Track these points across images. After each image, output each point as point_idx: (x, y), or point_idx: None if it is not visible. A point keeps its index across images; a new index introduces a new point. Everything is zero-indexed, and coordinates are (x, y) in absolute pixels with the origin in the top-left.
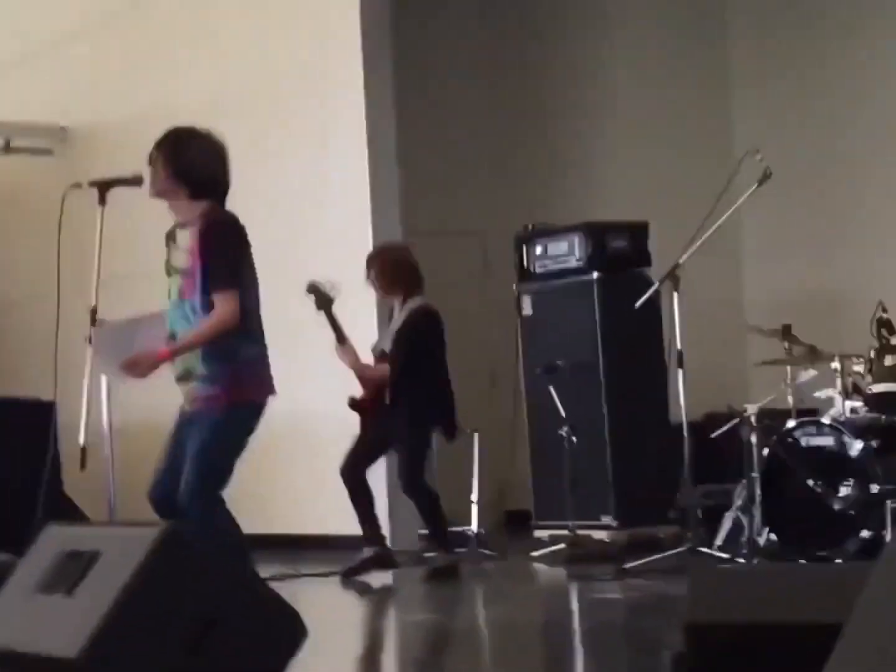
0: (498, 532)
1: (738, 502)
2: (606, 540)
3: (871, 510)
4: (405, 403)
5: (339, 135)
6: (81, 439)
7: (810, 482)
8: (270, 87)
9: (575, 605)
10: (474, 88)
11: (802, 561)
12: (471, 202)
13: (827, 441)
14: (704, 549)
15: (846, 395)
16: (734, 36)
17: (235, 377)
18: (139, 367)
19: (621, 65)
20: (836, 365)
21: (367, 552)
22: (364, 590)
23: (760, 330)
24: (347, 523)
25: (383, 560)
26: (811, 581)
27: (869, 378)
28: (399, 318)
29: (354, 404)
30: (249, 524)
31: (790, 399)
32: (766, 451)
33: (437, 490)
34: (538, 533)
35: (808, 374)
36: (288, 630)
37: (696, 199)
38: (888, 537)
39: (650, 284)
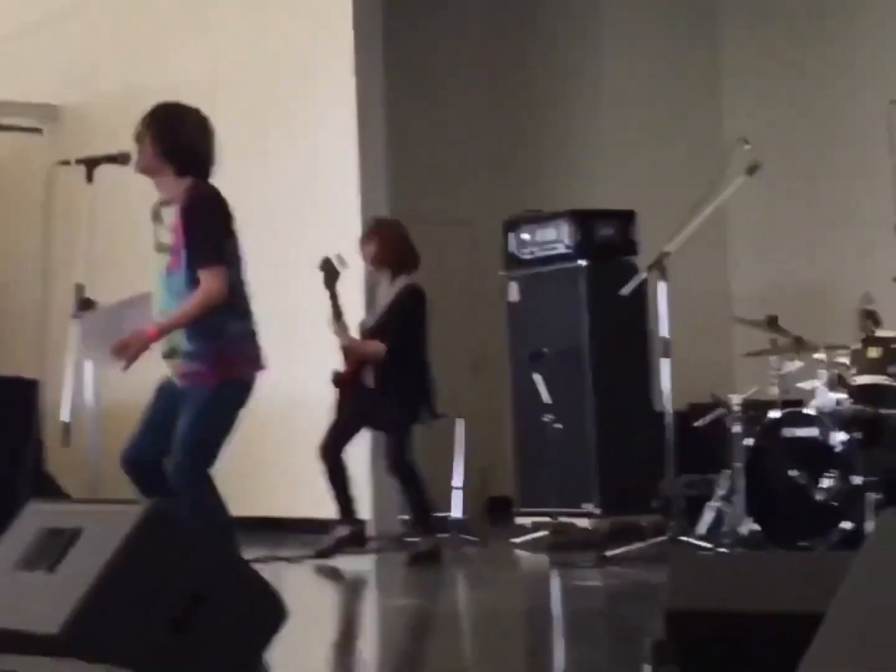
0: (480, 518)
1: (721, 492)
2: (588, 528)
3: (853, 502)
4: (393, 380)
5: (329, 119)
6: (64, 416)
7: (793, 473)
8: (264, 69)
9: (556, 592)
10: (466, 77)
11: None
12: (459, 190)
13: (810, 432)
14: (686, 539)
15: (831, 386)
16: (724, 27)
17: (220, 354)
18: (129, 349)
19: (611, 55)
20: (821, 356)
21: (342, 531)
22: (345, 574)
23: (745, 321)
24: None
25: (357, 538)
26: (792, 570)
27: (854, 370)
28: (389, 294)
29: (338, 378)
30: (236, 507)
31: (775, 390)
32: (749, 442)
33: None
34: (520, 520)
35: (793, 364)
36: (270, 611)
37: (685, 189)
38: (869, 529)
39: (637, 273)
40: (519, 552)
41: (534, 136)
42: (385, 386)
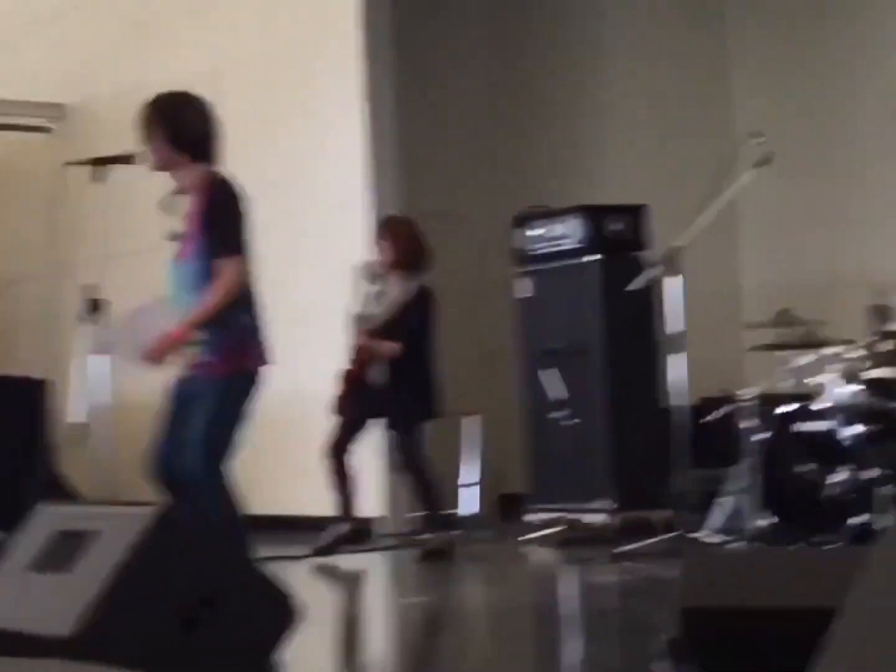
0: (492, 515)
1: (732, 487)
2: (600, 523)
3: (865, 496)
4: (406, 379)
5: (336, 117)
6: (70, 417)
7: (804, 467)
8: (270, 65)
9: (568, 589)
10: (472, 71)
11: (795, 546)
12: (469, 185)
13: (822, 426)
14: (697, 534)
15: (844, 380)
16: (734, 17)
17: (232, 346)
18: (159, 353)
19: (620, 48)
20: (833, 350)
21: (341, 529)
22: (355, 571)
23: (754, 324)
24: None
25: (356, 536)
26: (804, 565)
27: (866, 363)
28: (398, 293)
29: (347, 376)
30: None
31: (786, 384)
32: (760, 436)
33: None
34: (532, 516)
35: (805, 359)
36: (281, 611)
37: (696, 183)
38: (882, 523)
39: (648, 268)
40: (530, 548)
41: (544, 130)
42: (398, 384)
